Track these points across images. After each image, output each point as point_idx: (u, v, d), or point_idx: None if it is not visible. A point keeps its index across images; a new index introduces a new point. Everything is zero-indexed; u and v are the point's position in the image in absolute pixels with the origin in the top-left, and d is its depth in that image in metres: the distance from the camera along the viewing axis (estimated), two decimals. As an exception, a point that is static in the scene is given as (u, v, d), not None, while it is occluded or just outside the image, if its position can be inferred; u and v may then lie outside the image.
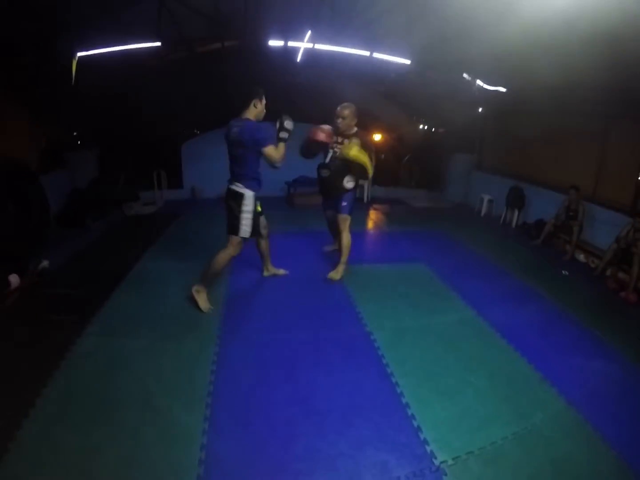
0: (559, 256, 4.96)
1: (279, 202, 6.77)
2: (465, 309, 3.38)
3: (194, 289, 3.05)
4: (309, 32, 4.35)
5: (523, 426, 2.07)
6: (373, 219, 6.30)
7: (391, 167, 7.55)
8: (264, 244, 3.52)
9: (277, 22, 3.96)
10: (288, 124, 2.90)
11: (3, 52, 2.91)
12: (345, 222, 3.70)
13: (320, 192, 3.94)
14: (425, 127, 7.47)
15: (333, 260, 4.07)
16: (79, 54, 3.35)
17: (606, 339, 3.02)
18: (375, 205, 6.98)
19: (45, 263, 3.76)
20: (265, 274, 3.79)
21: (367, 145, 3.49)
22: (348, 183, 3.62)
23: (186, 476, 1.67)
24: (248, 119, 2.87)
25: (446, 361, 2.63)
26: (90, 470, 1.70)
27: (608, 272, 4.26)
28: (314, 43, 4.53)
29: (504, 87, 4.42)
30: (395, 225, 5.92)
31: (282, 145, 2.90)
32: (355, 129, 3.55)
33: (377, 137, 7.13)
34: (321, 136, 3.41)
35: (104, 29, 3.16)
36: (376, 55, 4.19)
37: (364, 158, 3.36)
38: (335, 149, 3.52)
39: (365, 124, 6.32)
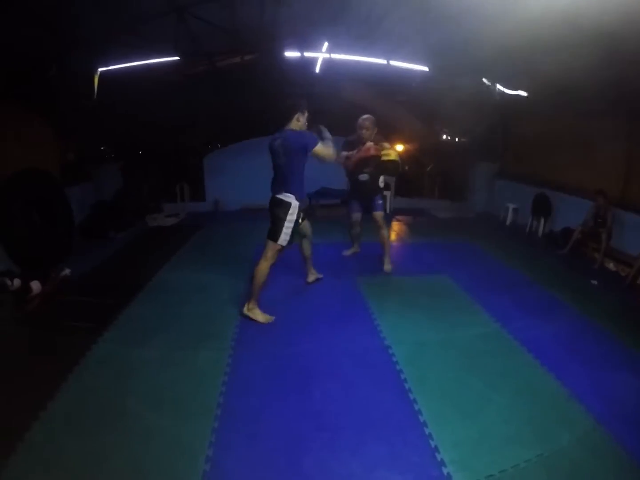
0: (588, 265, 4.68)
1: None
2: (489, 323, 3.19)
3: (245, 308, 3.07)
4: (326, 43, 4.38)
5: (548, 448, 1.89)
6: (395, 230, 6.15)
7: (414, 178, 7.44)
8: (307, 245, 3.59)
9: (294, 34, 3.99)
10: (326, 133, 3.07)
11: (24, 67, 3.06)
12: (382, 219, 4.03)
13: (355, 195, 4.17)
14: (448, 137, 7.34)
15: (353, 269, 4.17)
16: (100, 69, 3.46)
17: (639, 352, 2.80)
18: (397, 217, 6.84)
19: (67, 271, 3.86)
20: (310, 280, 3.83)
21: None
22: (382, 183, 4.06)
23: None
24: (291, 129, 2.93)
25: (468, 377, 2.46)
26: (94, 476, 1.68)
27: (639, 281, 4.01)
28: (331, 53, 4.54)
29: (525, 90, 4.28)
30: (418, 237, 5.76)
31: (329, 143, 3.01)
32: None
33: (399, 147, 7.06)
34: (372, 151, 3.74)
35: (124, 44, 3.27)
36: (393, 63, 4.15)
37: (392, 156, 3.82)
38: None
39: (387, 134, 6.33)
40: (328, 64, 4.91)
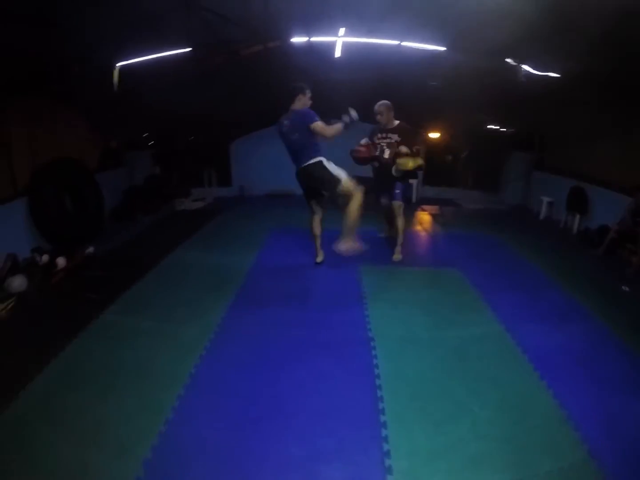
0: (622, 269, 4.14)
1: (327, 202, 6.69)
2: (492, 323, 2.97)
3: (340, 245, 3.41)
4: (343, 28, 4.24)
5: (522, 475, 1.65)
6: (417, 220, 5.93)
7: (445, 166, 7.09)
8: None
9: (306, 20, 3.89)
10: (354, 113, 3.33)
11: (51, 63, 3.34)
12: (399, 208, 4.05)
13: (376, 182, 4.23)
14: (483, 124, 6.86)
15: (361, 256, 3.95)
16: (119, 63, 3.66)
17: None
18: (423, 206, 6.59)
19: (91, 249, 4.21)
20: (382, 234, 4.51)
21: (413, 137, 3.92)
22: (396, 172, 3.94)
23: (144, 441, 1.79)
24: (296, 109, 3.35)
25: (449, 382, 2.29)
26: (77, 423, 1.95)
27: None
28: (348, 37, 4.38)
29: (556, 72, 3.83)
30: (439, 227, 5.53)
31: (338, 125, 3.31)
32: (397, 121, 3.96)
33: (433, 135, 6.75)
34: (362, 153, 3.86)
35: (141, 39, 3.41)
36: (407, 44, 3.94)
37: (418, 163, 3.85)
38: (382, 143, 3.95)
39: (418, 121, 6.05)
40: (348, 49, 4.77)
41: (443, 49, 3.88)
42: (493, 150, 6.63)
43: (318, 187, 3.49)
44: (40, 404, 2.08)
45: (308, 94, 3.38)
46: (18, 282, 3.26)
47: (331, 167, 3.35)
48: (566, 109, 4.95)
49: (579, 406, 2.06)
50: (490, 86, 4.60)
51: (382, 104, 3.92)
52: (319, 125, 3.23)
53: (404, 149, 3.79)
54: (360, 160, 3.91)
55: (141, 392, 2.16)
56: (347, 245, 3.39)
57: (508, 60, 3.81)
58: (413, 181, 6.66)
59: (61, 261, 3.78)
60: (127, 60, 3.75)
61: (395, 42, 3.96)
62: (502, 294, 3.43)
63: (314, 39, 4.07)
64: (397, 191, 4.03)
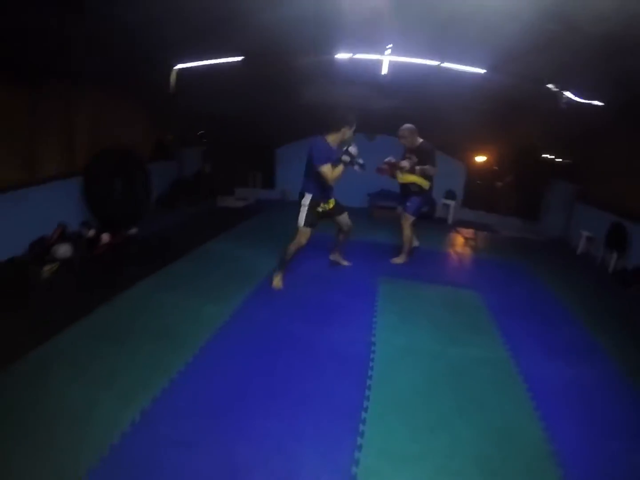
0: None
1: (361, 213, 6.68)
2: (498, 349, 2.90)
3: (275, 274, 3.60)
4: (390, 45, 4.39)
5: None
6: (448, 241, 5.86)
7: (487, 190, 6.96)
8: (342, 236, 4.01)
9: (353, 36, 4.07)
10: (352, 149, 3.31)
11: (121, 66, 3.81)
12: (406, 220, 4.30)
13: (400, 193, 4.56)
14: (534, 151, 6.63)
15: (383, 267, 4.34)
16: (177, 66, 4.09)
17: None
18: (458, 228, 6.51)
19: (133, 230, 4.63)
20: (331, 257, 4.26)
21: (427, 158, 4.13)
22: (414, 187, 4.25)
23: (147, 393, 2.06)
24: (323, 139, 3.35)
25: (439, 396, 2.29)
26: (92, 369, 2.27)
27: None
28: (395, 56, 4.51)
29: (601, 100, 3.69)
30: (470, 250, 5.44)
31: (340, 166, 3.32)
32: (420, 140, 4.23)
33: (479, 159, 6.68)
34: (383, 172, 4.27)
35: (198, 45, 3.79)
36: (445, 65, 4.02)
37: (415, 179, 4.18)
38: (406, 158, 4.23)
39: (465, 145, 6.05)
40: (395, 67, 4.91)
41: (483, 71, 3.91)
42: (535, 178, 6.41)
43: None
44: (63, 350, 2.43)
45: (353, 128, 3.39)
46: (63, 249, 3.71)
47: (303, 206, 3.45)
48: (610, 139, 4.74)
49: (569, 444, 1.97)
50: (532, 112, 4.54)
51: (404, 128, 4.20)
52: (323, 169, 3.25)
53: (405, 163, 4.12)
54: (382, 174, 4.33)
55: (154, 353, 2.46)
56: (276, 280, 3.56)
57: (549, 85, 3.75)
58: (450, 202, 6.63)
59: (105, 237, 4.22)
60: (184, 63, 4.15)
61: (435, 63, 4.03)
62: (518, 321, 3.34)
63: (358, 55, 4.24)
64: (409, 204, 4.28)
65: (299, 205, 3.49)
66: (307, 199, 3.44)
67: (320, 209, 3.55)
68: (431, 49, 4.00)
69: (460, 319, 3.32)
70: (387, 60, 4.76)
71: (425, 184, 4.20)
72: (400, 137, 4.23)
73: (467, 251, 5.38)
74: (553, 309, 3.73)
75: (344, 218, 3.81)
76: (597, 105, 3.81)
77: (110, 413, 1.91)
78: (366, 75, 5.18)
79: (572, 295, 4.05)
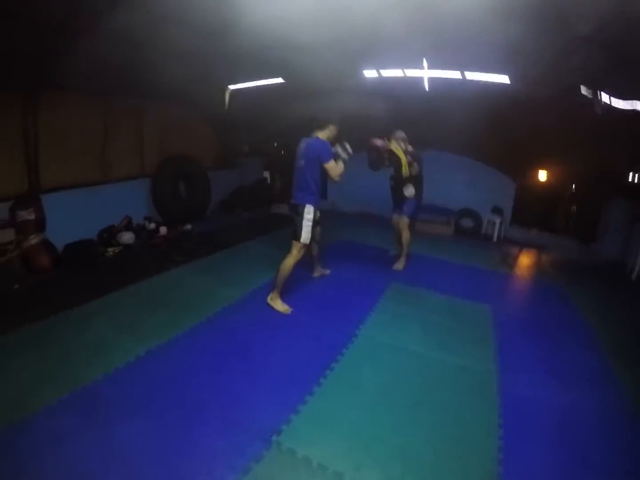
0: None
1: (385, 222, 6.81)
2: (487, 362, 2.81)
3: (269, 298, 3.39)
4: (424, 61, 4.54)
5: None
6: (485, 257, 5.53)
7: (541, 208, 6.49)
8: (315, 246, 3.90)
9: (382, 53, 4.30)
10: (348, 146, 3.40)
11: (185, 86, 4.58)
12: (404, 223, 4.41)
13: (392, 198, 4.67)
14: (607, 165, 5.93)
15: (399, 275, 4.44)
16: (231, 87, 4.82)
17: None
18: (503, 247, 6.16)
19: (188, 226, 5.44)
20: (315, 275, 4.17)
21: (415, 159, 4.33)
22: (408, 193, 4.37)
23: (155, 341, 2.73)
24: (319, 138, 3.26)
25: (400, 392, 2.40)
26: (124, 319, 3.07)
27: None
28: (433, 70, 4.62)
29: None
30: (505, 268, 5.13)
31: (340, 163, 3.31)
32: (411, 149, 4.38)
33: (541, 175, 6.27)
34: (378, 142, 4.19)
35: (246, 68, 4.44)
36: (468, 75, 4.03)
37: (399, 154, 4.24)
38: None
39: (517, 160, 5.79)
40: (436, 82, 5.01)
41: (507, 81, 3.86)
42: (593, 196, 5.78)
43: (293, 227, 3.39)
44: (109, 305, 3.22)
45: (338, 126, 3.33)
46: (127, 237, 4.61)
47: (307, 220, 3.24)
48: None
49: (519, 471, 1.87)
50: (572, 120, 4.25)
51: (402, 134, 4.39)
52: (330, 164, 3.17)
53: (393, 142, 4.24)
54: (373, 148, 4.22)
55: (174, 317, 3.12)
56: (274, 301, 3.37)
57: (583, 89, 3.51)
58: (496, 219, 6.32)
59: (163, 230, 5.07)
60: (236, 84, 4.86)
61: (457, 75, 4.09)
62: (524, 340, 3.19)
63: (384, 72, 4.48)
64: (405, 207, 4.40)
65: (299, 219, 3.25)
66: (310, 212, 3.25)
67: (317, 219, 3.42)
68: (460, 61, 4.06)
69: (458, 329, 3.29)
70: (426, 75, 4.89)
71: (405, 170, 4.25)
72: (401, 140, 4.35)
73: (502, 268, 5.10)
74: (573, 334, 3.41)
75: (318, 228, 3.70)
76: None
77: (124, 348, 2.60)
78: (411, 92, 5.33)
79: (604, 323, 3.64)
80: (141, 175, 5.41)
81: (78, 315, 3.06)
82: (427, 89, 5.24)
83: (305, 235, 3.26)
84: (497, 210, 6.37)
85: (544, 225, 6.45)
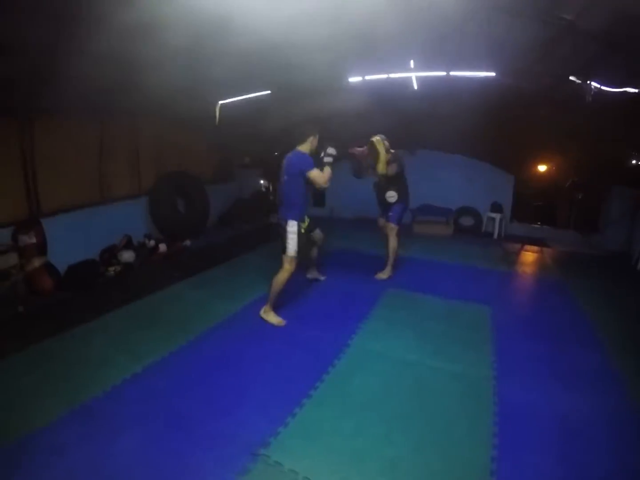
0: None
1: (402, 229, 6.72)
2: (483, 366, 2.74)
3: (261, 312, 3.44)
4: (412, 61, 4.53)
5: None
6: (485, 256, 5.49)
7: (541, 202, 6.42)
8: (316, 250, 4.06)
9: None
10: (331, 150, 3.32)
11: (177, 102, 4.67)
12: (392, 230, 4.33)
13: (378, 204, 4.60)
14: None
15: (395, 280, 4.41)
16: (220, 102, 4.92)
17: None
18: (505, 244, 6.08)
19: (187, 242, 5.53)
20: (309, 276, 4.27)
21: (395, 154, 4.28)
22: (390, 198, 4.32)
23: (153, 358, 2.81)
24: (299, 151, 3.30)
25: (391, 402, 2.38)
26: (122, 338, 3.12)
27: None
28: (420, 71, 4.60)
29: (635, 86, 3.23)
30: (506, 266, 5.10)
31: (327, 168, 3.28)
32: (393, 151, 4.27)
33: (539, 167, 6.23)
34: (356, 151, 4.28)
35: (236, 84, 4.52)
36: (453, 73, 4.02)
37: (379, 148, 4.11)
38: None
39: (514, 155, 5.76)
40: (424, 80, 5.00)
41: (492, 74, 3.83)
42: (592, 185, 5.68)
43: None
44: (108, 323, 3.38)
45: (317, 137, 3.36)
46: (127, 255, 4.72)
47: (292, 233, 3.28)
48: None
49: None
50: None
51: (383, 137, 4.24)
52: (313, 173, 3.18)
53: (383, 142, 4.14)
54: (351, 156, 4.30)
55: (170, 333, 3.19)
56: (267, 314, 3.41)
57: (572, 78, 3.48)
58: (496, 215, 6.26)
59: (162, 247, 5.18)
60: (225, 99, 4.95)
61: (442, 73, 4.08)
62: (524, 341, 3.14)
63: (368, 77, 4.50)
64: (391, 214, 4.33)
65: (284, 233, 3.32)
66: (293, 226, 3.30)
67: (302, 231, 3.43)
68: (447, 60, 4.04)
69: (455, 333, 3.25)
70: (413, 75, 4.86)
71: (383, 167, 4.12)
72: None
73: (503, 266, 5.05)
74: (575, 332, 3.37)
75: (317, 233, 3.83)
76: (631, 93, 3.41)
77: (122, 366, 2.68)
78: (400, 93, 5.33)
79: (609, 318, 3.60)
80: (139, 194, 5.52)
81: (79, 334, 3.15)
82: (415, 88, 5.26)
83: (292, 247, 3.30)
84: (496, 207, 6.32)
85: (544, 219, 6.38)
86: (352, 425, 2.18)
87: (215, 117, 5.08)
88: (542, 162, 6.13)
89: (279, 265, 3.40)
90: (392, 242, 4.34)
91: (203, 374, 2.64)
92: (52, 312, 3.59)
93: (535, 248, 5.85)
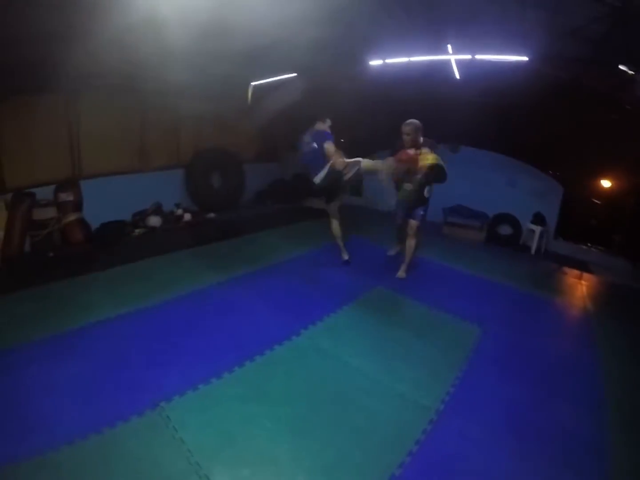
0: None
1: (433, 228, 6.17)
2: (431, 397, 2.45)
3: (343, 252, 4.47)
4: (449, 46, 4.18)
5: None
6: (509, 272, 4.86)
7: (593, 219, 5.54)
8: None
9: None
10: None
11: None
12: (416, 227, 4.13)
13: (400, 203, 4.35)
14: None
15: (390, 279, 4.27)
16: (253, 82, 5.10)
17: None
18: (540, 262, 5.39)
19: (212, 215, 5.92)
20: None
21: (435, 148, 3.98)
22: (427, 193, 4.04)
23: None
24: (317, 128, 4.02)
25: (301, 401, 2.35)
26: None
27: None
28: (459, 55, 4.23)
29: None
30: (528, 285, 4.46)
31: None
32: (422, 139, 3.92)
33: (605, 183, 5.35)
34: (404, 157, 3.96)
35: (264, 66, 4.62)
36: (478, 56, 3.61)
37: (439, 162, 3.84)
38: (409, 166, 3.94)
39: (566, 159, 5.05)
40: (467, 69, 4.59)
41: (525, 58, 3.38)
42: None
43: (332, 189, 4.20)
44: (107, 279, 3.77)
45: (328, 122, 4.06)
46: (154, 220, 5.24)
47: (318, 177, 4.01)
48: None
49: None
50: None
51: (409, 123, 3.85)
52: (328, 145, 3.84)
53: (425, 150, 3.86)
54: (401, 162, 3.97)
55: (151, 291, 3.55)
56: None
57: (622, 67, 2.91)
58: (537, 228, 5.55)
59: (187, 216, 5.63)
60: (258, 80, 5.12)
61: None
62: (499, 383, 2.68)
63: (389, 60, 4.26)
64: (421, 212, 4.11)
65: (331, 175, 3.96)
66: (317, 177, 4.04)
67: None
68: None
69: (422, 348, 2.98)
70: (453, 60, 4.45)
71: (432, 159, 3.83)
72: (402, 134, 3.87)
73: (526, 286, 4.44)
74: (577, 389, 2.74)
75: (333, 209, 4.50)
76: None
77: (105, 309, 3.16)
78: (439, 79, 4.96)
79: (632, 383, 2.86)
80: (177, 165, 6.01)
81: (85, 281, 3.69)
82: (457, 77, 4.81)
83: (318, 177, 4.01)
84: (539, 218, 5.56)
85: (596, 241, 5.48)
86: (250, 413, 2.20)
87: (247, 97, 5.27)
88: (609, 177, 5.21)
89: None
90: (413, 241, 4.19)
91: (160, 330, 2.94)
92: (71, 261, 4.19)
93: (575, 272, 5.08)
